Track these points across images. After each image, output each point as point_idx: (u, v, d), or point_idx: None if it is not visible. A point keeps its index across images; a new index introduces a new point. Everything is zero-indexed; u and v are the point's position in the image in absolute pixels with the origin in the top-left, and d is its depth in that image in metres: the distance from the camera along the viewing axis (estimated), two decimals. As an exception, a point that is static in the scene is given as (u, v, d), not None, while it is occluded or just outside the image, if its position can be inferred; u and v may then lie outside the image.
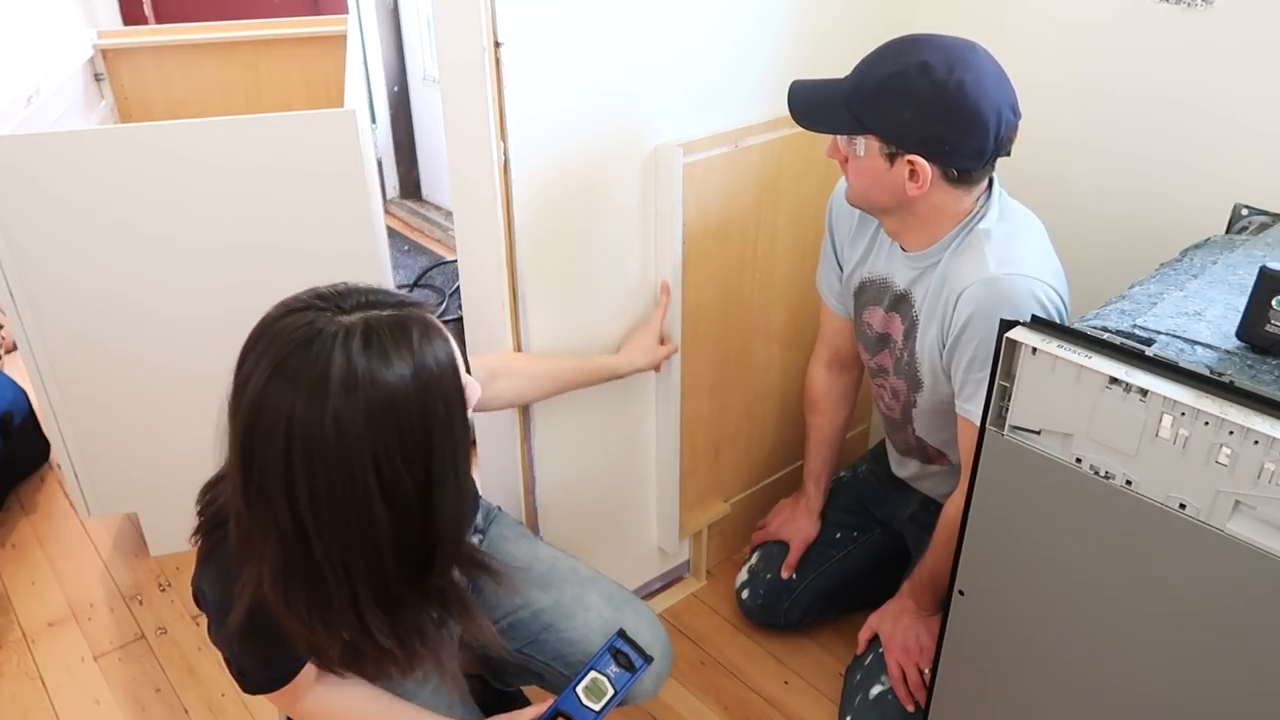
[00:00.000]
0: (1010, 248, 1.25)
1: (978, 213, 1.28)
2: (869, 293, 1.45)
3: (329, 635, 0.92)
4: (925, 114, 1.16)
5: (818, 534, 1.70)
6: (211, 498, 1.02)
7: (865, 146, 1.23)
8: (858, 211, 1.44)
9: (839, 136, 1.27)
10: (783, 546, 1.71)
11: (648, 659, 1.26)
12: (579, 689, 1.22)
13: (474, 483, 1.12)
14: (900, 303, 1.39)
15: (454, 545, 0.96)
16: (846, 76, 1.25)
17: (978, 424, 1.22)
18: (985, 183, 1.28)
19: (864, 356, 1.54)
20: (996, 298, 1.21)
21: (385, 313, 0.88)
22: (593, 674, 1.24)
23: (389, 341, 0.85)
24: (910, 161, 1.20)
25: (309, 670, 1.09)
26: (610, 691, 1.23)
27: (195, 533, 1.03)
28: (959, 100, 1.15)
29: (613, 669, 1.25)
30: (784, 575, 1.69)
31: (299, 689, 1.10)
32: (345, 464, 0.83)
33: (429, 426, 0.87)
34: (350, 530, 0.86)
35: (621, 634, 1.27)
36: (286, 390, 0.83)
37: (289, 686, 1.08)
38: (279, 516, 0.85)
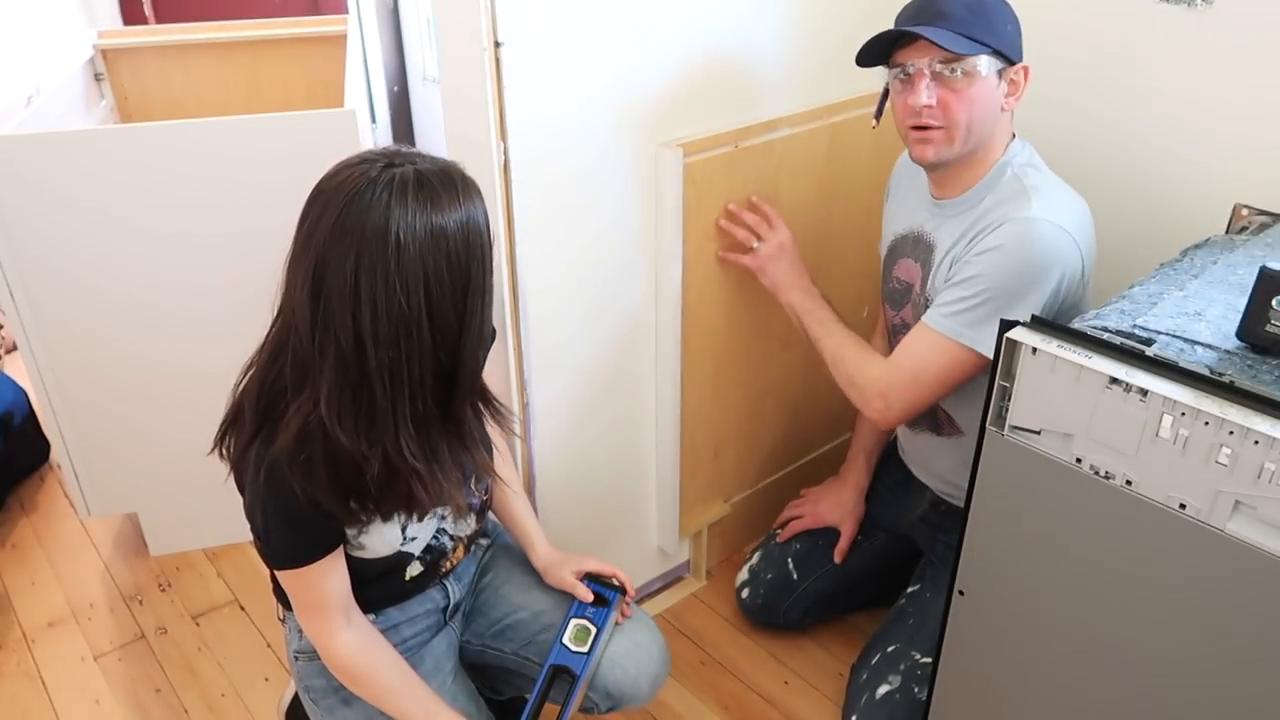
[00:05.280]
0: (1054, 200, 1.27)
1: (1009, 160, 1.32)
2: (901, 248, 1.48)
3: (369, 449, 1.02)
4: (1016, 25, 1.28)
5: (822, 535, 1.70)
6: (224, 434, 1.11)
7: (988, 66, 1.26)
8: (906, 177, 1.49)
9: (932, 77, 1.26)
10: (784, 547, 1.72)
11: (619, 590, 1.32)
12: (565, 640, 1.27)
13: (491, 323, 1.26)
14: (925, 251, 1.41)
15: (474, 372, 1.09)
16: (914, 19, 1.26)
17: (938, 336, 1.29)
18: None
19: (889, 314, 1.55)
20: (1028, 236, 1.23)
21: (430, 165, 1.02)
22: (573, 622, 1.29)
23: (438, 186, 1.00)
24: (1014, 74, 1.28)
25: (337, 576, 1.13)
26: (594, 630, 1.28)
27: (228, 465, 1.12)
28: (1012, 11, 1.29)
29: (590, 610, 1.31)
30: (836, 560, 1.68)
31: (334, 614, 1.13)
32: (403, 285, 0.98)
33: (469, 258, 1.02)
34: (399, 346, 1.00)
35: (588, 575, 1.33)
36: (354, 228, 0.97)
37: (320, 591, 1.12)
38: (342, 337, 0.99)
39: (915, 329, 1.35)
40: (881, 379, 1.37)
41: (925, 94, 1.27)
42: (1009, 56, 1.27)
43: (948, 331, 1.29)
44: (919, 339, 1.33)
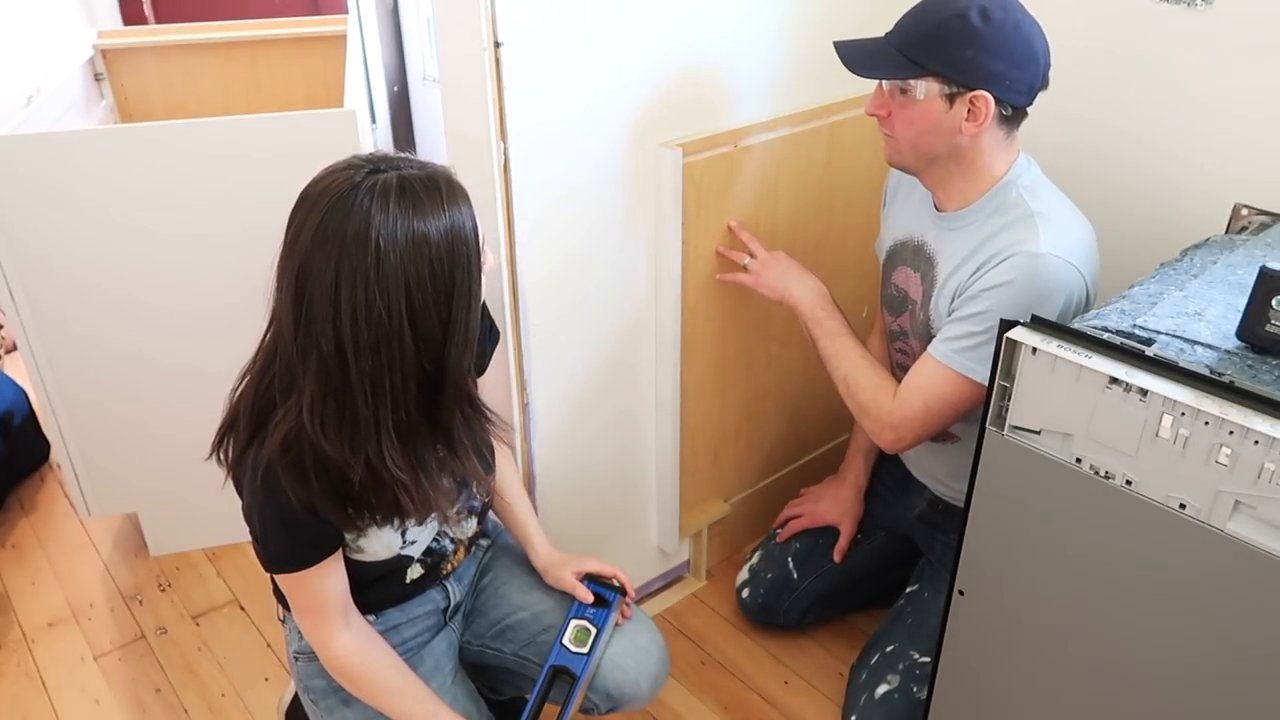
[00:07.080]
0: (1061, 230, 1.26)
1: (1014, 179, 1.30)
2: (900, 255, 1.47)
3: (353, 457, 1.01)
4: (988, 51, 1.22)
5: (822, 535, 1.70)
6: (222, 439, 1.12)
7: (925, 90, 1.25)
8: (907, 182, 1.47)
9: (886, 90, 1.29)
10: (784, 546, 1.72)
11: (619, 591, 1.32)
12: (565, 641, 1.27)
13: (491, 320, 1.25)
14: (925, 264, 1.40)
15: (460, 380, 1.07)
16: (890, 31, 1.28)
17: (949, 371, 1.28)
18: (1017, 142, 1.32)
19: (886, 319, 1.55)
20: (1036, 272, 1.22)
21: (417, 171, 1.01)
22: (573, 623, 1.30)
23: (422, 191, 0.99)
24: (972, 99, 1.24)
25: (335, 579, 1.13)
26: (594, 630, 1.28)
27: (225, 473, 1.13)
28: (1015, 37, 1.23)
29: (590, 611, 1.31)
30: (836, 559, 1.68)
31: (333, 617, 1.13)
32: (383, 293, 0.96)
33: (454, 265, 1.00)
34: (380, 354, 0.98)
35: (588, 576, 1.33)
36: (336, 233, 0.96)
37: (318, 595, 1.12)
38: (323, 344, 0.97)
39: (924, 362, 1.33)
40: (895, 413, 1.36)
41: (871, 102, 1.32)
42: (960, 82, 1.23)
43: (959, 367, 1.28)
44: (930, 374, 1.31)
